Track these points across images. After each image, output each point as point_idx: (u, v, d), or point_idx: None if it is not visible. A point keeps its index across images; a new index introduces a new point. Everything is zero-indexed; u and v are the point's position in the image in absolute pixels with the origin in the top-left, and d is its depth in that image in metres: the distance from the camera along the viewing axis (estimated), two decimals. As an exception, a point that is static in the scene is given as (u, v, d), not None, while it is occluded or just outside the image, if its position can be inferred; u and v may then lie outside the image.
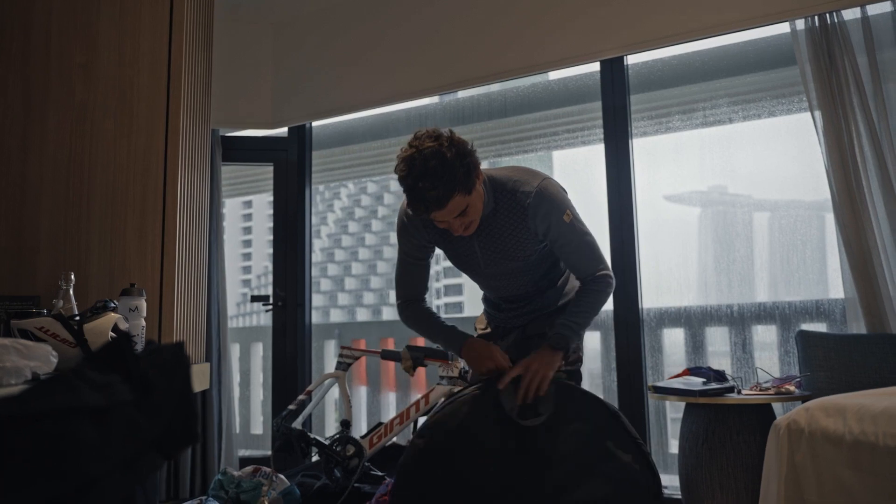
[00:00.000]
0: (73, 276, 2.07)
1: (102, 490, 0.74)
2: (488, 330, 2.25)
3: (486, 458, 1.81)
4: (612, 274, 2.01)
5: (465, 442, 1.83)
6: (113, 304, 1.91)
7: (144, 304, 2.22)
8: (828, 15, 2.85)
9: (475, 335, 2.23)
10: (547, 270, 2.11)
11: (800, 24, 2.91)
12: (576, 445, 1.81)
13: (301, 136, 4.13)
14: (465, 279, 2.26)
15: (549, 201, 1.90)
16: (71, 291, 2.05)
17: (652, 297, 3.28)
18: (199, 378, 2.72)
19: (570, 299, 2.15)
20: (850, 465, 1.61)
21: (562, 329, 1.95)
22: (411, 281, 2.10)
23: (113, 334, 1.77)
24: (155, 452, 0.84)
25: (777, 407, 2.76)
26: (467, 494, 1.78)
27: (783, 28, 3.02)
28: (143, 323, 2.21)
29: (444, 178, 1.73)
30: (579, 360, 2.14)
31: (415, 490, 1.82)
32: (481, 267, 2.04)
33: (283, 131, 4.18)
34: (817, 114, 2.85)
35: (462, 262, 2.07)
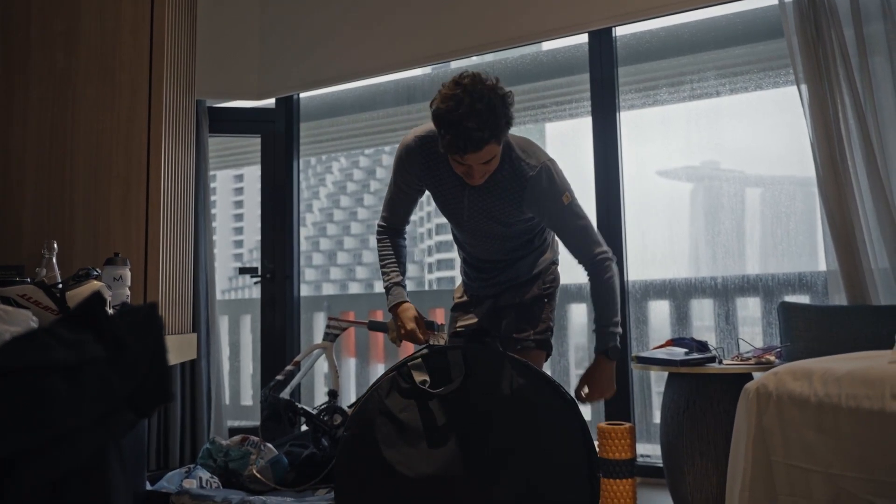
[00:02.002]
0: (55, 245, 2.07)
1: (73, 444, 0.76)
2: (464, 299, 2.30)
3: (411, 436, 1.79)
4: (611, 254, 2.02)
5: (390, 425, 1.81)
6: (96, 273, 1.91)
7: (129, 274, 2.22)
8: (816, -14, 2.84)
9: (453, 303, 2.34)
10: (525, 242, 2.14)
11: (788, -5, 2.90)
12: (491, 398, 1.81)
13: (289, 108, 4.10)
14: (457, 254, 2.30)
15: (550, 180, 1.93)
16: (54, 260, 2.04)
17: (638, 269, 3.30)
18: (186, 348, 2.73)
19: (542, 269, 2.18)
20: (814, 427, 1.65)
21: (608, 339, 2.03)
22: (396, 207, 2.14)
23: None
24: (128, 410, 0.85)
25: (758, 376, 2.80)
26: (400, 477, 1.76)
27: (771, 0, 3.00)
28: (128, 292, 2.22)
29: (490, 121, 1.74)
30: (549, 330, 2.17)
31: (352, 483, 1.82)
32: (464, 219, 2.06)
33: (270, 102, 4.15)
34: (803, 87, 2.84)
35: (448, 210, 2.10)
